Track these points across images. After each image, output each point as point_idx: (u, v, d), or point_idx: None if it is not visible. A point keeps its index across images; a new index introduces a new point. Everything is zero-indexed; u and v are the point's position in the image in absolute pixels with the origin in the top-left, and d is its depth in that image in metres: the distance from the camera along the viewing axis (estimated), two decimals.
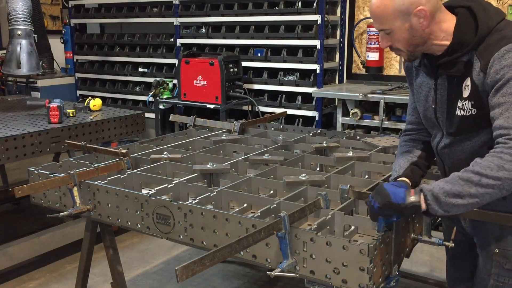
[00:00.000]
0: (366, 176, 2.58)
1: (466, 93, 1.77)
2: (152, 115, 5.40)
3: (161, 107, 5.31)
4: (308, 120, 4.97)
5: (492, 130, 1.68)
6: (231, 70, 4.87)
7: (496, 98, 1.66)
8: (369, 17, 4.84)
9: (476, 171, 1.61)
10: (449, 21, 1.80)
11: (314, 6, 4.74)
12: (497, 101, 1.65)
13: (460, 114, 1.80)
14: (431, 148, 2.03)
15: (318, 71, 4.78)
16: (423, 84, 1.95)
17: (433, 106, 1.90)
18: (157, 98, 5.30)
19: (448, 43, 1.79)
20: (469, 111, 1.77)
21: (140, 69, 6.13)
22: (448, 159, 1.93)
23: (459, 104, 1.79)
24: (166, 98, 5.31)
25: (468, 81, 1.76)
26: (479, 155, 1.67)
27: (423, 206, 1.65)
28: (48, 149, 3.49)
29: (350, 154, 2.67)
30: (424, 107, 1.96)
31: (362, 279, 1.65)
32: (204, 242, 2.02)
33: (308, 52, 4.90)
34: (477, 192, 1.60)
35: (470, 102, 1.76)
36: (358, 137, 3.19)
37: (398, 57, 4.79)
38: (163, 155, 2.70)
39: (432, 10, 1.75)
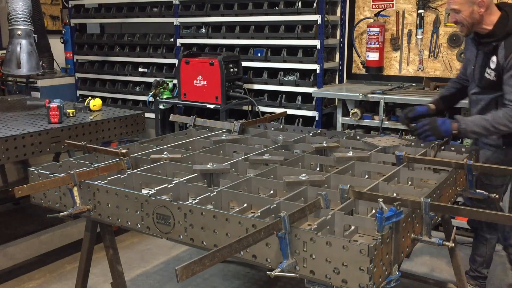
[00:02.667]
0: (366, 176, 2.58)
1: (492, 65, 2.77)
2: (152, 115, 5.40)
3: (161, 107, 5.31)
4: (308, 120, 4.97)
5: (505, 98, 2.70)
6: (231, 70, 4.87)
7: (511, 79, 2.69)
8: (369, 17, 4.85)
9: (491, 118, 2.69)
10: (494, 15, 2.77)
11: (314, 6, 4.74)
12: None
13: (487, 77, 2.81)
14: (460, 93, 3.20)
15: (318, 71, 4.78)
16: (471, 51, 2.95)
17: (472, 67, 2.92)
18: (157, 98, 5.30)
19: (490, 28, 2.77)
20: (493, 77, 2.77)
21: (140, 69, 6.13)
22: (473, 103, 2.97)
23: (487, 70, 2.80)
24: (166, 98, 5.31)
25: (494, 58, 2.75)
26: (489, 105, 2.83)
27: (456, 132, 2.74)
28: (48, 149, 3.49)
29: (350, 154, 2.67)
30: (469, 66, 2.98)
31: (362, 279, 1.65)
32: (204, 242, 2.02)
33: (308, 52, 4.90)
34: (489, 129, 2.69)
35: (494, 72, 2.76)
36: (358, 137, 3.19)
37: (398, 57, 4.80)
38: (163, 155, 2.70)
39: (488, 4, 2.73)
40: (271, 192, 2.34)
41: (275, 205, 2.03)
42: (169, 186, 2.28)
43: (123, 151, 2.60)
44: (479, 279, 3.34)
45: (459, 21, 2.78)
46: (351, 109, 4.47)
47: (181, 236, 2.08)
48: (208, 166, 2.43)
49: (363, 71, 4.97)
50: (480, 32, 2.82)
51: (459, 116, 2.82)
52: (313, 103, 4.86)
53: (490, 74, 2.79)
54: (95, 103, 4.20)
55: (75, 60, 6.74)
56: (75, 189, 2.32)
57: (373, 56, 4.74)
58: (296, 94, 4.98)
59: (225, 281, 3.63)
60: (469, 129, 2.73)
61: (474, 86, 2.96)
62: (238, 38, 5.27)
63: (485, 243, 3.27)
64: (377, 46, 4.69)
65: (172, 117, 3.67)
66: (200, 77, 4.91)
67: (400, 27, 4.77)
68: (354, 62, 5.09)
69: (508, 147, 2.91)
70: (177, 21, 5.65)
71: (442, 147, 2.83)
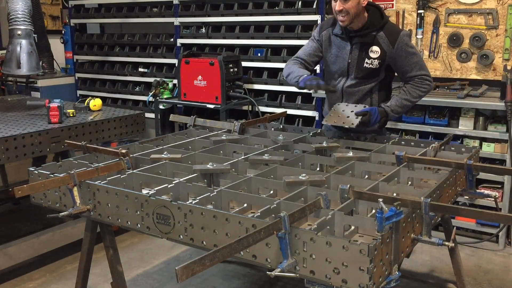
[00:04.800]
0: (366, 176, 2.58)
1: (374, 54, 3.00)
2: (152, 115, 5.40)
3: (161, 107, 5.31)
4: (308, 120, 4.97)
5: (408, 75, 3.04)
6: (231, 70, 4.86)
7: (407, 60, 3.00)
8: None
9: (409, 96, 3.04)
10: (364, 13, 2.99)
11: (314, 6, 4.74)
12: (407, 62, 3.00)
13: (367, 66, 3.02)
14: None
15: (318, 71, 4.78)
16: (340, 47, 3.09)
17: (349, 61, 3.06)
18: (157, 98, 5.30)
19: (360, 25, 2.98)
20: (375, 65, 3.00)
21: (140, 69, 6.13)
22: (348, 96, 3.12)
23: (367, 60, 3.01)
24: (166, 98, 5.31)
25: (375, 48, 3.00)
26: (365, 95, 3.10)
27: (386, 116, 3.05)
28: (48, 149, 3.49)
29: (350, 154, 2.66)
30: (338, 62, 3.10)
31: (362, 279, 1.65)
32: (204, 242, 2.02)
33: None
34: (409, 105, 3.07)
35: (377, 60, 3.00)
36: (357, 137, 3.19)
37: None
38: (163, 155, 2.69)
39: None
40: (271, 192, 2.34)
41: (275, 205, 2.03)
42: (169, 186, 2.27)
43: (123, 151, 2.60)
44: None
45: (346, 9, 2.88)
46: None
47: (181, 236, 2.08)
48: (208, 166, 2.43)
49: None
50: (353, 28, 2.99)
51: (386, 106, 3.05)
52: (313, 103, 4.86)
53: (372, 63, 3.00)
54: (95, 103, 4.20)
55: (75, 60, 6.74)
56: (75, 189, 2.32)
57: None
58: (296, 94, 4.97)
59: (225, 281, 3.63)
60: (395, 113, 3.08)
61: (348, 79, 3.10)
62: (238, 38, 5.27)
63: None
64: None
65: (172, 117, 3.67)
66: (200, 77, 4.91)
67: (400, 27, 4.77)
68: None
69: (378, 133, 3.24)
70: (177, 21, 5.65)
71: (442, 147, 2.83)
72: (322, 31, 3.20)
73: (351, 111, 3.04)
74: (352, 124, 2.97)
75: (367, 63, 3.02)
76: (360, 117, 2.96)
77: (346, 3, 2.88)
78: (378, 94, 3.13)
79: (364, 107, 3.03)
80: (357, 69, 3.05)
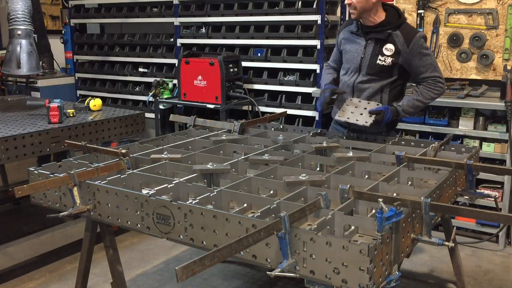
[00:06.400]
0: (366, 176, 2.58)
1: (388, 52, 3.05)
2: (152, 115, 5.40)
3: (161, 107, 5.30)
4: (308, 120, 4.97)
5: (421, 76, 3.08)
6: (231, 70, 4.86)
7: (421, 61, 3.04)
8: None
9: (421, 97, 3.08)
10: (382, 12, 3.09)
11: (314, 6, 4.73)
12: (422, 63, 3.04)
13: (379, 63, 3.06)
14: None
15: (318, 71, 4.78)
16: (355, 43, 3.16)
17: (362, 56, 3.11)
18: (157, 98, 5.30)
19: (379, 21, 3.07)
20: (388, 63, 3.05)
21: (140, 69, 6.13)
22: (359, 92, 3.15)
23: (380, 57, 3.06)
24: (166, 98, 5.31)
25: (389, 46, 3.04)
26: (376, 93, 3.11)
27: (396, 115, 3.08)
28: (48, 149, 3.49)
29: (350, 154, 2.66)
30: (353, 57, 3.16)
31: (362, 279, 1.65)
32: (204, 242, 2.02)
33: (308, 52, 4.90)
34: (421, 106, 3.11)
35: (390, 58, 3.04)
36: (357, 137, 3.19)
37: None
38: (163, 155, 2.70)
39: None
40: (271, 192, 2.34)
41: (275, 205, 2.03)
42: (169, 186, 2.27)
43: (123, 151, 2.60)
44: None
45: (354, 4, 3.00)
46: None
47: (181, 236, 2.08)
48: (208, 166, 2.43)
49: None
50: (368, 24, 3.09)
51: (398, 106, 3.08)
52: (313, 103, 4.85)
53: (384, 61, 3.05)
54: (95, 103, 4.20)
55: (75, 60, 6.73)
56: (75, 189, 2.32)
57: None
58: (296, 94, 4.97)
59: (225, 281, 3.63)
60: (406, 113, 3.11)
61: (360, 75, 3.14)
62: (238, 38, 5.27)
63: None
64: None
65: (172, 117, 3.67)
66: (200, 77, 4.91)
67: None
68: None
69: (387, 133, 3.29)
70: (177, 21, 5.65)
71: (442, 147, 2.83)
72: (339, 33, 3.32)
73: (365, 108, 3.04)
74: (366, 122, 2.98)
75: (380, 59, 3.06)
76: (374, 116, 2.98)
77: None
78: (389, 94, 3.13)
79: (378, 105, 3.05)
80: (369, 65, 3.09)
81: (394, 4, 3.22)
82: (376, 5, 3.04)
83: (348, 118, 3.04)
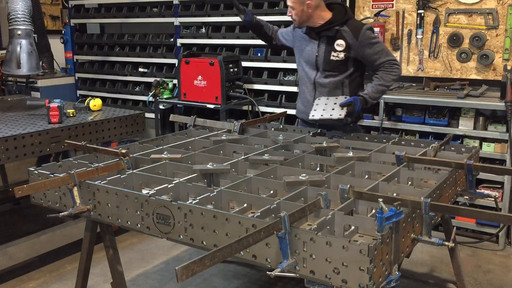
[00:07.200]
0: (366, 176, 2.58)
1: (339, 47, 3.21)
2: (152, 115, 5.40)
3: (161, 107, 5.30)
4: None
5: (377, 63, 3.21)
6: (231, 70, 4.86)
7: (372, 50, 3.19)
8: (369, 17, 4.85)
9: (383, 81, 3.20)
10: (327, 12, 3.24)
11: None
12: (373, 51, 3.19)
13: (333, 59, 3.22)
14: (265, 33, 3.66)
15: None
16: (308, 44, 3.33)
17: (316, 54, 3.28)
18: (157, 98, 5.30)
19: (322, 23, 3.23)
20: (341, 57, 3.20)
21: (140, 69, 6.13)
22: (319, 89, 3.32)
23: (333, 53, 3.22)
24: (166, 98, 5.31)
25: (340, 41, 3.20)
26: (336, 88, 3.27)
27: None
28: (48, 149, 3.49)
29: (350, 154, 2.66)
30: (308, 56, 3.33)
31: (362, 279, 1.65)
32: (204, 242, 2.02)
33: None
34: (385, 90, 3.24)
35: (342, 53, 3.20)
36: (357, 137, 3.19)
37: (398, 57, 4.79)
38: (163, 155, 2.69)
39: (317, 5, 3.18)
40: (271, 192, 2.34)
41: (275, 205, 2.03)
42: (169, 186, 2.27)
43: (123, 151, 2.60)
44: None
45: (293, 16, 3.22)
46: None
47: (181, 236, 2.08)
48: (208, 166, 2.43)
49: None
50: (316, 26, 3.24)
51: (364, 94, 3.20)
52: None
53: (338, 56, 3.21)
54: (95, 103, 4.20)
55: (75, 60, 6.74)
56: (75, 189, 2.32)
57: None
58: (296, 94, 4.96)
59: (225, 281, 3.63)
60: (373, 100, 3.22)
61: (319, 72, 3.31)
62: (238, 38, 5.27)
63: None
64: None
65: (172, 117, 3.67)
66: (200, 77, 4.91)
67: (400, 27, 4.77)
68: None
69: (355, 124, 3.47)
70: (177, 21, 5.65)
71: (442, 147, 2.83)
72: (295, 27, 3.47)
73: (334, 103, 3.16)
74: (340, 115, 3.09)
75: (333, 56, 3.22)
76: (345, 108, 3.10)
77: (293, 10, 3.19)
78: (349, 87, 3.30)
79: (345, 97, 3.21)
80: (325, 62, 3.26)
81: (344, 3, 3.44)
82: (315, 10, 3.19)
83: (321, 116, 3.14)
